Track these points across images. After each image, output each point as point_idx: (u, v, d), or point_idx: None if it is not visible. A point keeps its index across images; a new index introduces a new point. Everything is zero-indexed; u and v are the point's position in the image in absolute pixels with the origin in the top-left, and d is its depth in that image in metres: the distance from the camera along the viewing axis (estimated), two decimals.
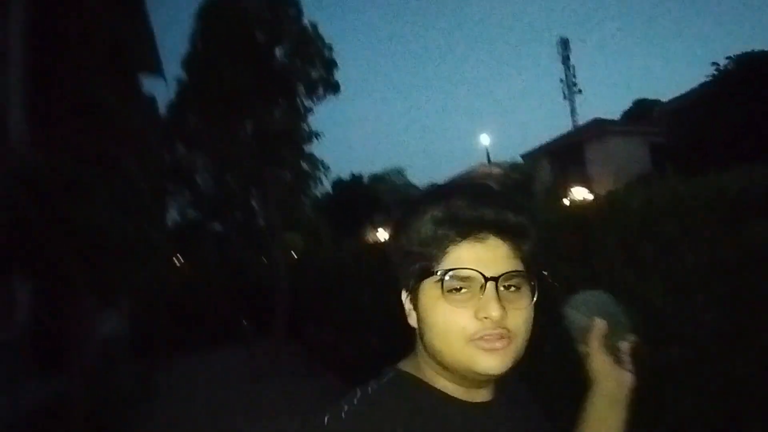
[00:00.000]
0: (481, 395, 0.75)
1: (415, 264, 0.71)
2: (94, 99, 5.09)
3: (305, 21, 12.03)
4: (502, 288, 0.68)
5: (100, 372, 6.80)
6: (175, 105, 12.37)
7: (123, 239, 4.21)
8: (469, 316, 0.67)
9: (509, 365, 0.68)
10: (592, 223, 2.56)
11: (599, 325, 0.83)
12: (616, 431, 0.85)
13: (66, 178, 4.33)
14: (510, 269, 0.69)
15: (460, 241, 0.69)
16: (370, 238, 19.65)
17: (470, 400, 0.73)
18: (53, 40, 6.41)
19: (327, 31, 12.51)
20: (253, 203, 17.31)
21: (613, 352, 0.83)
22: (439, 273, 0.69)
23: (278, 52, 11.84)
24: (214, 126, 12.07)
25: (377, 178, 33.95)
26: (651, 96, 27.72)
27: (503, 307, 0.66)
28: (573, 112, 34.48)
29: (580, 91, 35.25)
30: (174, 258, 17.74)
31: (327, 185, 23.36)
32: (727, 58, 13.15)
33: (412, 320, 0.74)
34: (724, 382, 2.03)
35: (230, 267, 16.05)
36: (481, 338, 0.66)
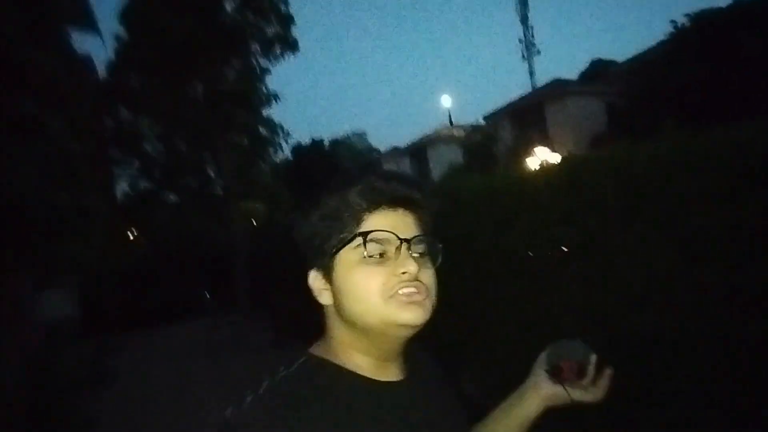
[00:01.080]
0: (394, 373, 0.77)
1: (331, 236, 0.74)
2: (6, 52, 4.38)
3: None
4: (414, 254, 0.73)
5: (44, 356, 6.30)
6: (114, 64, 11.31)
7: (51, 209, 3.69)
8: (387, 274, 0.71)
9: (427, 318, 0.72)
10: (589, 182, 2.30)
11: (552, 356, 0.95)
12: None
13: None
14: (419, 233, 0.76)
15: (374, 210, 0.74)
16: None
17: (382, 379, 0.75)
18: None
19: None
20: (209, 171, 16.48)
21: (555, 371, 0.93)
22: (359, 236, 0.72)
23: (228, 4, 10.91)
24: (160, 86, 11.15)
25: (338, 143, 33.23)
26: (608, 56, 27.98)
27: (417, 265, 0.72)
28: (532, 73, 34.53)
29: (539, 51, 35.27)
30: (127, 231, 16.82)
31: (287, 151, 22.55)
32: (685, 15, 13.14)
33: (325, 298, 0.76)
34: (728, 353, 1.86)
35: (187, 237, 15.32)
36: (400, 293, 0.71)
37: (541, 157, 15.17)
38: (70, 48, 9.41)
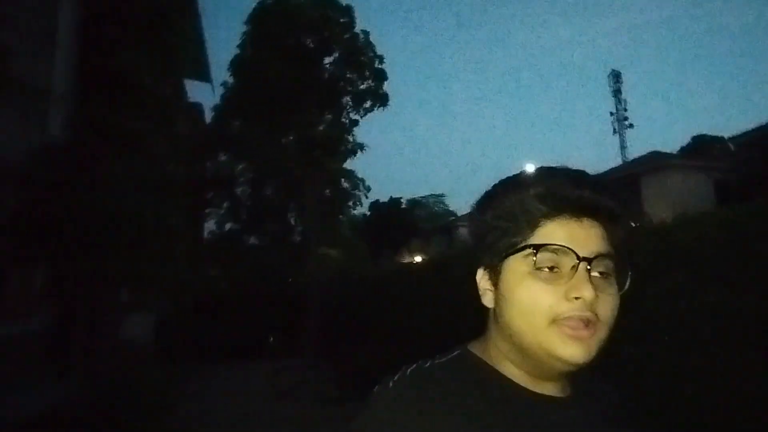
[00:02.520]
0: (551, 389, 0.69)
1: (502, 238, 0.68)
2: (130, 77, 4.73)
3: (357, 29, 11.76)
4: (595, 272, 0.64)
5: (122, 376, 6.35)
6: (220, 108, 12.25)
7: (141, 225, 3.70)
8: (558, 295, 0.63)
9: (592, 356, 0.63)
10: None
11: None
12: None
13: (85, 154, 3.90)
14: (604, 251, 0.66)
15: (554, 217, 0.66)
16: (404, 261, 18.93)
17: (539, 391, 0.68)
18: (100, 20, 6.25)
19: (378, 41, 12.15)
20: (291, 217, 17.00)
21: None
22: (530, 247, 0.65)
23: (327, 59, 11.56)
24: (258, 131, 11.83)
25: (416, 203, 33.34)
26: (708, 132, 26.26)
27: (595, 291, 0.63)
28: (623, 146, 33.07)
29: (631, 125, 33.89)
30: (208, 267, 17.56)
31: (365, 205, 22.90)
32: None
33: (487, 300, 0.71)
34: None
35: (264, 280, 15.66)
36: (568, 321, 0.63)
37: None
38: (183, 91, 10.31)
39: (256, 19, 11.06)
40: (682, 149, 25.17)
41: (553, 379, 0.69)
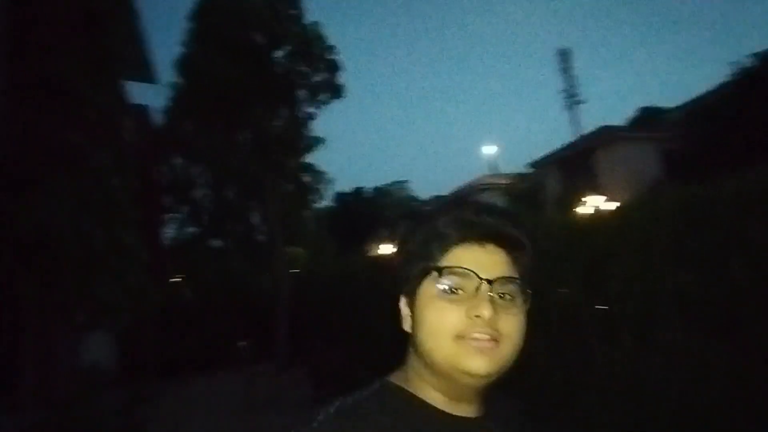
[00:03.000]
0: (468, 410, 0.74)
1: (417, 264, 0.73)
2: (65, 85, 4.35)
3: (306, 21, 11.39)
4: (496, 296, 0.69)
5: (82, 403, 5.97)
6: (170, 112, 11.69)
7: (85, 244, 3.41)
8: (460, 314, 0.68)
9: (496, 369, 0.68)
10: None
11: None
12: None
13: (21, 171, 3.55)
14: (506, 274, 0.71)
15: (460, 243, 0.71)
16: (373, 253, 18.85)
17: (457, 414, 0.72)
18: (30, 25, 5.75)
19: (330, 34, 11.83)
20: (253, 217, 16.57)
21: None
22: (436, 270, 0.70)
23: (278, 53, 11.17)
24: (212, 132, 11.37)
25: (380, 191, 33.23)
26: (655, 104, 27.13)
27: (495, 310, 0.68)
28: (575, 122, 33.85)
29: (581, 102, 34.68)
30: (170, 275, 16.94)
31: (328, 198, 22.60)
32: (752, 55, 12.48)
33: (407, 325, 0.75)
34: None
35: (229, 284, 15.21)
36: (470, 337, 0.67)
37: (593, 204, 14.42)
38: (125, 95, 9.76)
39: (199, 14, 10.55)
40: (631, 121, 25.98)
41: (469, 400, 0.73)
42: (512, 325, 0.69)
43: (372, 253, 18.09)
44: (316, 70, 11.43)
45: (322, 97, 11.63)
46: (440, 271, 0.69)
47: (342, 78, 11.74)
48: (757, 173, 2.38)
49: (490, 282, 0.68)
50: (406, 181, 36.36)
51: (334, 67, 11.57)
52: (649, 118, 23.75)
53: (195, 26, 10.66)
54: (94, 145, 4.11)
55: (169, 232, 17.25)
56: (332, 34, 12.08)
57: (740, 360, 2.40)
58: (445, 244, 0.71)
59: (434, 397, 0.72)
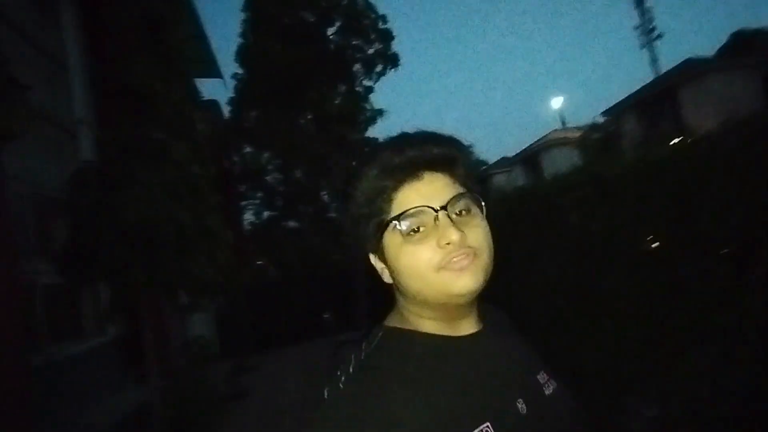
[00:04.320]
0: (467, 327, 0.78)
1: (370, 222, 0.74)
2: (142, 87, 4.77)
3: None
4: (455, 216, 0.71)
5: (188, 374, 6.71)
6: (235, 101, 12.26)
7: (178, 228, 3.79)
8: (432, 248, 0.70)
9: (482, 279, 0.71)
10: None
11: None
12: None
13: (117, 171, 3.99)
14: (454, 193, 0.72)
15: (399, 186, 0.73)
16: None
17: (458, 334, 0.76)
18: (104, 38, 6.30)
19: (380, 3, 11.72)
20: (324, 196, 17.13)
21: None
22: (392, 221, 0.72)
23: (330, 30, 11.27)
24: (275, 117, 11.81)
25: None
26: (749, 25, 24.07)
27: (460, 230, 0.70)
28: (654, 60, 30.97)
29: (659, 36, 31.62)
30: (253, 257, 18.06)
31: None
32: None
33: (387, 276, 0.77)
34: None
35: (308, 261, 15.97)
36: (448, 263, 0.69)
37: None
38: (195, 91, 10.37)
39: (251, 3, 10.86)
40: (720, 50, 23.34)
41: (467, 317, 0.77)
42: (480, 235, 0.72)
43: None
44: (368, 42, 11.42)
45: (378, 68, 11.62)
46: (396, 220, 0.71)
47: (396, 47, 11.67)
48: None
49: (444, 208, 0.70)
50: (471, 146, 35.62)
51: (386, 37, 11.49)
52: (743, 45, 21.23)
53: (248, 16, 11.02)
54: (173, 139, 4.52)
55: (248, 218, 18.36)
56: (382, 3, 11.97)
57: None
58: (387, 194, 0.72)
59: (435, 327, 0.75)
